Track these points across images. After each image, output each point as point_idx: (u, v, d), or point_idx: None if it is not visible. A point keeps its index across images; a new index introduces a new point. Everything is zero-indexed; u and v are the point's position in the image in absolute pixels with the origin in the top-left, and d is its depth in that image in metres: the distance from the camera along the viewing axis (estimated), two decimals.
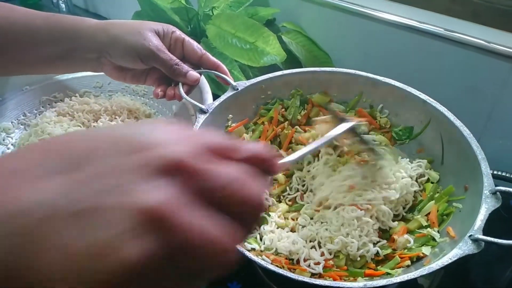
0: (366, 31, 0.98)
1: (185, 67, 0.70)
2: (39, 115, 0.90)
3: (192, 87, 0.72)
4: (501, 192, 0.57)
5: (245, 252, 0.54)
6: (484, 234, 0.53)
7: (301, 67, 0.98)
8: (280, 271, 0.52)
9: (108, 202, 0.21)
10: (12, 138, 0.87)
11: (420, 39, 0.91)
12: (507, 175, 0.78)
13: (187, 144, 0.25)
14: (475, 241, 0.53)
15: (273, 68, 0.90)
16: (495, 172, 0.80)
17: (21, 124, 0.90)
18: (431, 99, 0.71)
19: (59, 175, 0.22)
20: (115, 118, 0.87)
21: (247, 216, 0.25)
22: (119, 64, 0.70)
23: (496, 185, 0.58)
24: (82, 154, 0.23)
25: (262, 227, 0.64)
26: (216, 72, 0.73)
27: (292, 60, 0.98)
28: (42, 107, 0.92)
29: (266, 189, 0.26)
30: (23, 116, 0.90)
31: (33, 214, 0.21)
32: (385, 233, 0.65)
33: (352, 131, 0.62)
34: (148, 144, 0.24)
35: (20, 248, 0.21)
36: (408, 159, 0.72)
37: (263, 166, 0.28)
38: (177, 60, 0.70)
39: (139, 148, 0.24)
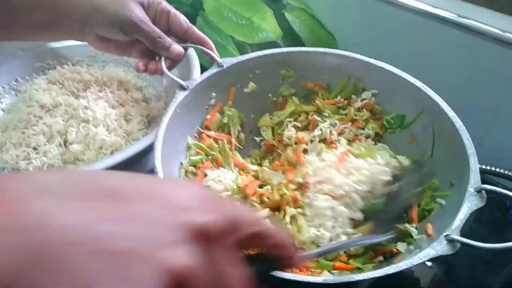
0: (375, 14, 0.93)
1: (168, 40, 0.67)
2: (31, 81, 0.88)
3: (176, 61, 0.69)
4: (487, 190, 0.53)
5: None
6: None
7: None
8: None
9: (142, 250, 0.23)
10: (2, 103, 0.87)
11: (432, 25, 0.86)
12: (506, 172, 0.73)
13: (217, 213, 0.27)
14: (451, 241, 0.49)
15: (273, 46, 0.86)
16: (497, 170, 0.75)
17: (13, 90, 0.89)
18: (426, 87, 0.66)
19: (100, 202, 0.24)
20: (105, 89, 0.85)
21: None
22: (101, 34, 0.68)
23: (496, 182, 0.53)
24: (118, 189, 0.25)
25: None
26: (201, 48, 0.70)
27: (293, 40, 0.94)
28: (35, 73, 0.91)
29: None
30: (15, 81, 0.90)
31: (60, 236, 0.22)
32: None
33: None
34: (185, 207, 0.27)
35: (30, 265, 0.21)
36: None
37: (279, 256, 0.33)
38: (161, 33, 0.67)
39: (177, 208, 0.26)
